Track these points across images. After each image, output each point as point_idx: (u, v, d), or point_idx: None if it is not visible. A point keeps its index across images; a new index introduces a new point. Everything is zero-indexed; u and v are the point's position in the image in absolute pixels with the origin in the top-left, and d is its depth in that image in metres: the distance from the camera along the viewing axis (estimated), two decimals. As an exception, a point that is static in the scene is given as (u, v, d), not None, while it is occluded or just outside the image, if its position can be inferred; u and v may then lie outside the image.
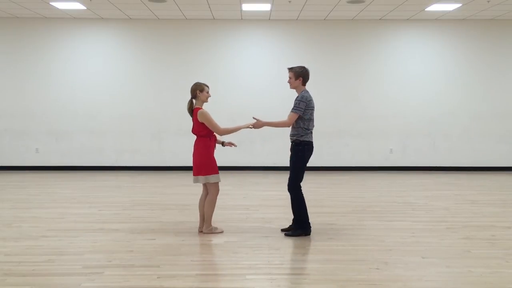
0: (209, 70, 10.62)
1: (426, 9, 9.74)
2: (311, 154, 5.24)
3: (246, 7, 9.54)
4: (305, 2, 9.13)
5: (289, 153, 5.31)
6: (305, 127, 5.15)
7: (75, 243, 4.92)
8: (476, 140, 10.98)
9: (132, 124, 10.87)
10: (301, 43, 10.80)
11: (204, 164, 5.17)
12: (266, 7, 9.55)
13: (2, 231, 5.40)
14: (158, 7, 9.49)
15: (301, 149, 5.16)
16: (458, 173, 10.70)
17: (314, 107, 5.23)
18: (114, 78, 10.82)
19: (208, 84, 5.38)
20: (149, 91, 10.84)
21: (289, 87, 5.33)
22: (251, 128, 5.28)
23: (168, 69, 10.80)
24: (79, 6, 9.48)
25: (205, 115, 5.12)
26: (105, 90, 10.80)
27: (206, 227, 5.33)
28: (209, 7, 9.50)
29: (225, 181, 9.02)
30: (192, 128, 5.27)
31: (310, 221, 5.30)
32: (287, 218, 5.91)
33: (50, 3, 9.26)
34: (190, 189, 7.21)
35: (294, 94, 5.30)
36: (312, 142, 5.23)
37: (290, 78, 5.24)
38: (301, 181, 5.25)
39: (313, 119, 5.23)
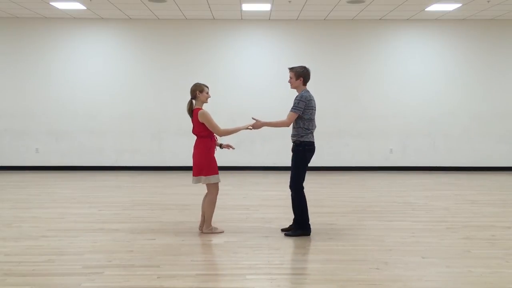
0: (209, 70, 10.62)
1: (426, 9, 9.74)
2: (313, 154, 5.22)
3: (246, 7, 9.54)
4: (305, 2, 9.13)
5: (290, 153, 5.31)
6: (306, 127, 5.14)
7: (75, 243, 4.92)
8: (476, 140, 10.98)
9: (132, 124, 10.87)
10: (301, 43, 10.80)
11: (205, 165, 5.16)
12: (266, 7, 9.55)
13: (2, 231, 5.40)
14: (158, 7, 9.49)
15: (302, 149, 5.16)
16: (458, 173, 10.70)
17: (314, 107, 5.20)
18: (114, 78, 10.83)
19: (208, 84, 5.38)
20: (149, 91, 10.84)
21: (289, 87, 5.32)
22: (250, 129, 5.27)
23: (168, 69, 10.80)
24: (79, 6, 9.48)
25: (206, 116, 5.11)
26: (105, 90, 10.80)
27: (206, 227, 5.34)
28: (209, 7, 9.50)
29: (225, 181, 9.02)
30: (193, 129, 5.27)
31: (310, 221, 5.30)
32: (287, 218, 5.91)
33: (50, 3, 9.26)
34: (190, 189, 7.21)
35: (294, 94, 5.30)
36: (313, 142, 5.21)
37: (290, 78, 5.24)
38: (303, 181, 5.24)
39: (314, 119, 5.21)
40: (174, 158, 10.82)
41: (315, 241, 5.07)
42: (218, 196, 5.37)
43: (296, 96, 5.17)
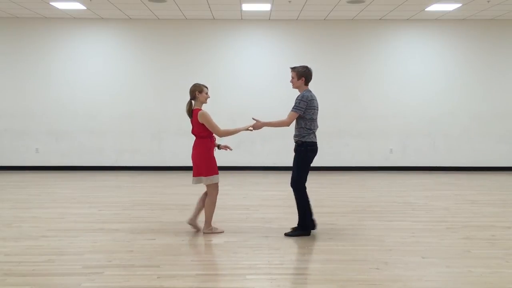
0: (209, 70, 10.62)
1: (426, 9, 9.74)
2: (315, 155, 5.21)
3: (246, 7, 9.54)
4: (305, 2, 9.13)
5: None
6: (307, 127, 5.12)
7: (75, 243, 4.92)
8: (476, 140, 10.98)
9: (132, 124, 10.87)
10: (301, 43, 10.80)
11: (206, 165, 5.17)
12: (266, 7, 9.55)
13: (2, 231, 5.40)
14: (158, 7, 9.49)
15: (304, 150, 5.14)
16: (458, 173, 10.70)
17: (317, 107, 5.17)
18: (114, 78, 10.83)
19: (208, 84, 5.38)
20: (149, 91, 10.84)
21: (291, 86, 5.31)
22: (251, 130, 5.26)
23: (168, 69, 10.80)
24: (79, 6, 9.48)
25: (206, 116, 5.11)
26: (105, 90, 10.80)
27: (206, 227, 5.34)
28: (209, 7, 9.50)
29: (225, 181, 9.03)
30: (192, 129, 5.27)
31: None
32: (287, 218, 5.92)
33: (50, 3, 9.26)
34: (190, 189, 7.21)
35: (294, 94, 5.30)
36: (315, 142, 5.19)
37: (292, 78, 5.22)
38: (304, 181, 5.23)
39: (315, 119, 5.18)
40: (174, 158, 10.82)
41: (315, 241, 5.07)
42: (218, 196, 5.37)
43: (298, 96, 5.16)
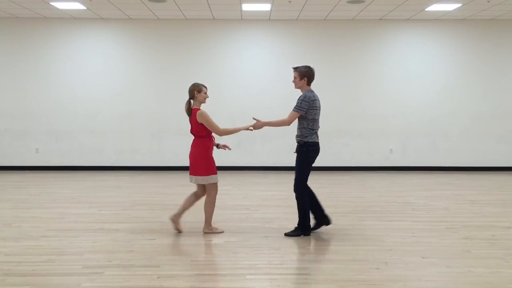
0: (209, 70, 10.62)
1: (426, 9, 9.74)
2: (317, 155, 5.21)
3: (246, 7, 9.54)
4: (305, 2, 9.13)
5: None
6: (310, 127, 5.11)
7: (75, 243, 4.92)
8: (476, 140, 10.98)
9: (132, 124, 10.87)
10: (301, 43, 10.80)
11: (204, 165, 5.17)
12: (266, 7, 9.55)
13: (2, 231, 5.40)
14: (158, 7, 9.49)
15: (305, 150, 5.13)
16: (458, 173, 10.70)
17: (319, 107, 5.16)
18: (114, 78, 10.83)
19: (208, 84, 5.38)
20: (149, 91, 10.84)
21: (291, 86, 5.30)
22: (251, 130, 5.25)
23: (168, 69, 10.80)
24: (79, 6, 9.48)
25: (204, 116, 5.11)
26: (105, 90, 10.80)
27: (206, 226, 5.35)
28: (209, 7, 9.50)
29: (225, 181, 9.04)
30: (191, 129, 5.27)
31: (311, 222, 5.29)
32: (287, 218, 5.92)
33: (50, 3, 9.26)
34: (190, 189, 7.18)
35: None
36: (317, 143, 5.18)
37: (295, 78, 5.20)
38: (306, 182, 5.23)
39: (317, 120, 5.18)
40: (174, 158, 10.81)
41: (315, 241, 5.07)
42: (218, 196, 5.38)
43: (300, 96, 5.15)
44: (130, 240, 5.04)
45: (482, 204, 7.12)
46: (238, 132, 5.38)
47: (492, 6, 9.38)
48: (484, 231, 5.48)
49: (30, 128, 10.82)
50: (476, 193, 8.17)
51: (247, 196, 7.73)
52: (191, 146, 5.27)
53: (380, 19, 10.69)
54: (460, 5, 9.34)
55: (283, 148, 10.23)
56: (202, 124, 5.14)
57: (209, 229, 5.33)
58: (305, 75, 5.16)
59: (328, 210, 6.53)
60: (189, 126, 5.32)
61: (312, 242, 5.04)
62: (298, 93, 5.29)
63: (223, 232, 5.36)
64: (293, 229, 5.31)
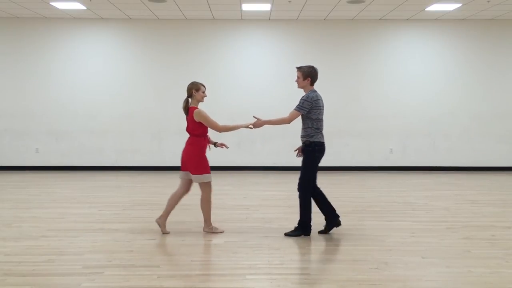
0: (209, 70, 10.62)
1: (426, 9, 9.74)
2: (323, 155, 5.21)
3: (246, 7, 9.53)
4: (305, 2, 9.13)
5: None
6: (315, 127, 5.10)
7: (75, 243, 4.92)
8: (476, 140, 10.98)
9: (132, 124, 10.87)
10: (301, 43, 10.80)
11: (197, 164, 5.17)
12: (266, 7, 9.55)
13: (2, 231, 5.40)
14: (158, 7, 9.49)
15: (311, 150, 5.13)
16: (458, 173, 10.69)
17: (322, 106, 5.16)
18: (114, 78, 10.82)
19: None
20: (149, 91, 10.84)
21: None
22: (251, 128, 5.25)
23: (168, 69, 10.80)
24: (79, 6, 9.48)
25: (202, 114, 5.12)
26: (105, 90, 10.80)
27: (206, 226, 5.36)
28: (209, 7, 9.50)
29: (225, 181, 9.05)
30: (187, 127, 5.28)
31: (311, 221, 5.29)
32: (287, 218, 5.92)
33: (50, 3, 9.26)
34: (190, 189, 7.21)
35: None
36: (323, 142, 5.18)
37: (298, 77, 5.18)
38: (312, 181, 5.22)
39: (322, 119, 5.17)
40: (174, 158, 10.65)
41: (315, 241, 5.07)
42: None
43: (303, 96, 5.14)
44: (130, 240, 5.04)
45: (482, 204, 7.12)
46: (238, 131, 5.38)
47: (492, 6, 9.38)
48: (484, 231, 5.48)
49: (30, 128, 10.82)
50: (476, 193, 8.17)
51: (247, 196, 7.73)
52: (186, 143, 5.27)
53: (380, 19, 10.69)
54: (460, 5, 9.34)
55: (283, 148, 10.22)
56: (197, 123, 5.14)
57: (209, 228, 5.33)
58: (308, 75, 5.14)
59: (328, 210, 6.56)
60: (188, 126, 5.33)
61: (312, 242, 5.04)
62: (298, 93, 5.29)
63: (223, 232, 5.36)
64: (293, 229, 5.30)
